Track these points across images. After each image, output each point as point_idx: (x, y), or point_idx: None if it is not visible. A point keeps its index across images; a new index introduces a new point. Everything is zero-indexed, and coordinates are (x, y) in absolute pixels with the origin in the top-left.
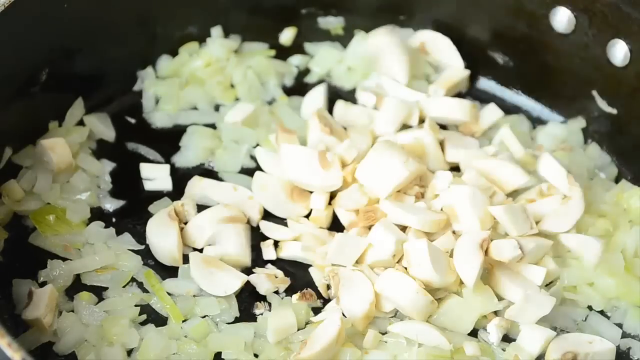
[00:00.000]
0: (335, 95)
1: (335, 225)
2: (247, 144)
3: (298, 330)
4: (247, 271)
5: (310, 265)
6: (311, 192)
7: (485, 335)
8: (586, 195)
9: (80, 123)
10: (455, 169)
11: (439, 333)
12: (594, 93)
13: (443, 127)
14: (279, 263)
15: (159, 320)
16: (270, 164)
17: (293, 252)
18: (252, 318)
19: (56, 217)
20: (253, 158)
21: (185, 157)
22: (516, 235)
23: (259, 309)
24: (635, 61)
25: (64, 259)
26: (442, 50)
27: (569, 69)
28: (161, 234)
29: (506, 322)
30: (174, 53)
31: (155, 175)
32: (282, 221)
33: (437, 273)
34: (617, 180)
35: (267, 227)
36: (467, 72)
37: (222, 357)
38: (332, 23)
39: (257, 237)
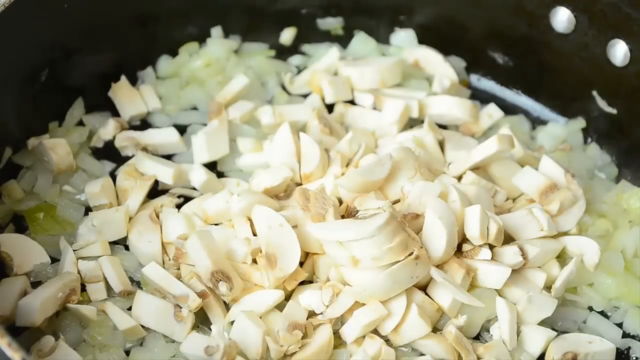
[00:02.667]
0: None
1: None
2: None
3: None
4: None
5: None
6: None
7: (487, 337)
8: (586, 195)
9: (80, 123)
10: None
11: (441, 346)
12: (594, 93)
13: (443, 127)
14: None
15: None
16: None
17: None
18: None
19: (49, 216)
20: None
21: (186, 157)
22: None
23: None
24: (635, 61)
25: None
26: (436, 65)
27: (569, 69)
28: (144, 240)
29: None
30: (174, 53)
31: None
32: None
33: None
34: (617, 181)
35: None
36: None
37: None
38: (332, 23)
39: None
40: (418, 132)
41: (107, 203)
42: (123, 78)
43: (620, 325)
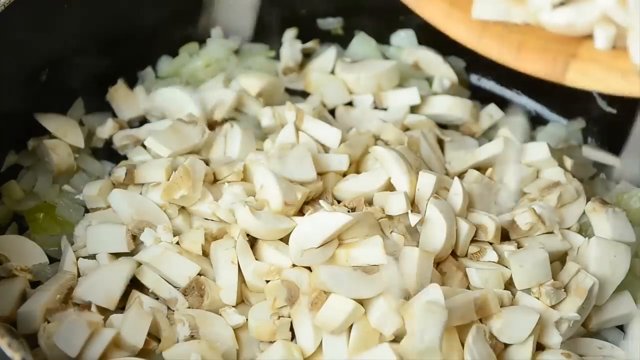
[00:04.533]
0: None
1: None
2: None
3: None
4: None
5: None
6: None
7: None
8: (586, 195)
9: (80, 123)
10: None
11: None
12: (594, 93)
13: (443, 127)
14: None
15: None
16: None
17: None
18: None
19: (49, 216)
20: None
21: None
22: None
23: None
24: None
25: (58, 260)
26: (435, 65)
27: None
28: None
29: None
30: (174, 53)
31: None
32: None
33: None
34: (617, 181)
35: None
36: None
37: None
38: (332, 23)
39: None
40: (418, 132)
41: (105, 206)
42: (120, 81)
43: (621, 327)
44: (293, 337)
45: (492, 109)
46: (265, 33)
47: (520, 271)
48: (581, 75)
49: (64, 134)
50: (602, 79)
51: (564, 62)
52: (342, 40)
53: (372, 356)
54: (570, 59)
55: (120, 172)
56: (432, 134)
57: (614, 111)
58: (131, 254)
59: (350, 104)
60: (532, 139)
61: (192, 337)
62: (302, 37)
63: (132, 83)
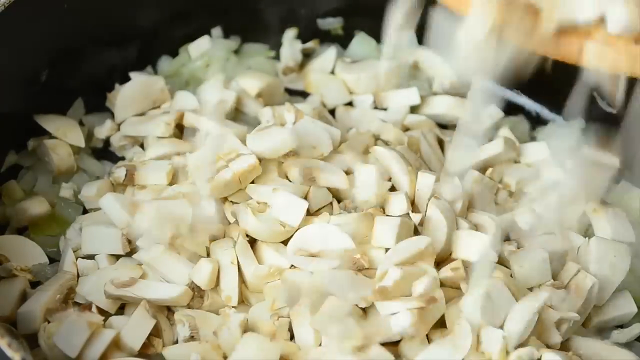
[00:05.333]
0: None
1: None
2: None
3: None
4: None
5: None
6: None
7: None
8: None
9: (80, 123)
10: None
11: None
12: (594, 93)
13: (443, 127)
14: None
15: None
16: None
17: None
18: None
19: (48, 216)
20: None
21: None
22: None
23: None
24: None
25: (57, 260)
26: (435, 66)
27: (569, 69)
28: None
29: None
30: (174, 53)
31: None
32: None
33: None
34: (617, 181)
35: None
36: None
37: None
38: (332, 23)
39: None
40: (417, 132)
41: None
42: (117, 86)
43: (621, 327)
44: (292, 337)
45: (492, 109)
46: (265, 33)
47: (520, 271)
48: (597, 58)
49: (64, 134)
50: (618, 60)
51: (578, 43)
52: (342, 40)
53: (369, 357)
54: (585, 38)
55: (120, 172)
56: (432, 134)
57: (614, 111)
58: (129, 254)
59: (350, 104)
60: (532, 139)
61: (192, 337)
62: (302, 37)
63: None
